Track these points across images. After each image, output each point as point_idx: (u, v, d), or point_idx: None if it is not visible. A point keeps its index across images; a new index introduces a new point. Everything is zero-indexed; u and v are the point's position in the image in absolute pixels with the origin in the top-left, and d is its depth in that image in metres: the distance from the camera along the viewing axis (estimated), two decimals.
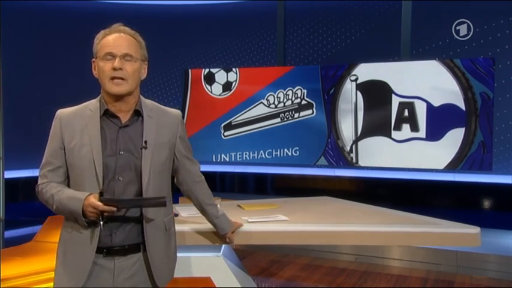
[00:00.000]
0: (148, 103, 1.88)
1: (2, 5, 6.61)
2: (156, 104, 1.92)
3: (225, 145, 5.88)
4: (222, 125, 5.86)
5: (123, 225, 1.77)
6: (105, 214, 1.69)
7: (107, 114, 1.80)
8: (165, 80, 7.59)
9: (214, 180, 7.24)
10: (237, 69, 5.84)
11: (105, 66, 1.76)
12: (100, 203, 1.66)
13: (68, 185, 1.83)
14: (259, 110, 5.74)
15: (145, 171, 1.77)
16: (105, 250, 1.76)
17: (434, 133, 5.07)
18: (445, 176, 5.96)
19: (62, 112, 1.84)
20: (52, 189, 1.78)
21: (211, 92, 5.88)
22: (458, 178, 5.88)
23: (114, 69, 1.74)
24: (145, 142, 1.79)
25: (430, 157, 5.10)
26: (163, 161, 1.85)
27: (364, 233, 2.84)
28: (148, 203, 1.74)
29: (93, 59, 1.82)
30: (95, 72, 1.82)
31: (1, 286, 3.45)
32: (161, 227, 1.85)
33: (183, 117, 6.40)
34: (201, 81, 5.93)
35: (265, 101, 5.72)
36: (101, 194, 1.71)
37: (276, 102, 5.69)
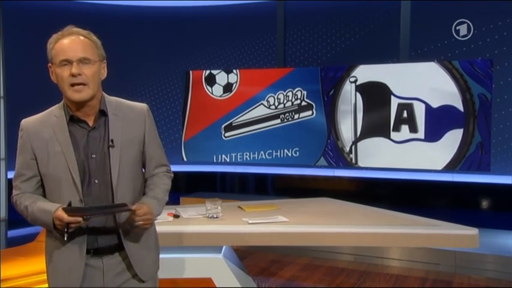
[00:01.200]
0: (112, 101, 1.85)
1: (4, 5, 6.64)
2: (122, 100, 1.89)
3: (225, 146, 5.92)
4: (223, 126, 5.90)
5: (106, 228, 1.77)
6: (72, 225, 1.65)
7: (73, 120, 1.78)
8: (166, 82, 7.61)
9: (214, 181, 7.27)
10: (237, 70, 5.88)
11: (63, 73, 1.71)
12: (65, 215, 1.63)
13: (44, 195, 1.81)
14: (259, 111, 5.78)
15: (115, 170, 1.76)
16: (92, 250, 1.77)
17: (433, 134, 5.11)
18: (444, 177, 5.99)
19: (26, 122, 1.84)
20: (26, 201, 1.77)
21: (212, 93, 5.92)
22: (457, 178, 5.91)
23: (73, 75, 1.69)
24: (112, 141, 1.77)
25: (428, 158, 5.13)
26: (133, 157, 1.83)
27: (363, 234, 2.88)
28: (112, 211, 1.73)
29: (49, 64, 1.77)
30: (53, 78, 1.77)
31: (4, 286, 3.49)
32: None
33: (184, 118, 6.38)
34: (202, 82, 5.97)
35: (265, 102, 5.76)
36: (69, 205, 1.69)
37: (276, 104, 5.73)
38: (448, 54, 5.94)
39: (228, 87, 5.88)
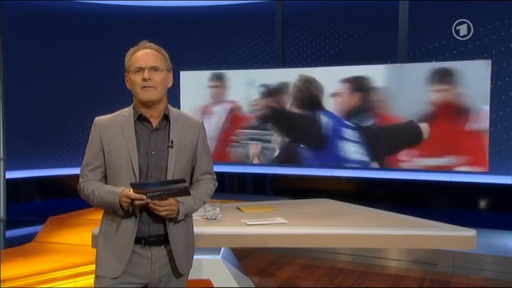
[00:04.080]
0: (173, 110, 2.11)
1: (3, 5, 6.63)
2: (181, 111, 2.16)
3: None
4: None
5: (157, 218, 1.96)
6: (136, 202, 1.87)
7: (140, 119, 2.03)
8: None
9: None
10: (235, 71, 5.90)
11: (136, 78, 1.99)
12: (131, 192, 1.87)
13: (106, 183, 2.03)
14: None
15: (171, 168, 2.00)
16: (143, 241, 1.97)
17: (432, 134, 5.12)
18: (442, 177, 6.00)
19: (100, 119, 2.07)
20: (92, 186, 2.00)
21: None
22: (455, 178, 5.91)
23: (144, 79, 1.97)
24: (172, 142, 2.01)
25: (427, 158, 5.15)
26: (186, 160, 2.06)
27: (362, 236, 2.88)
28: (172, 188, 1.89)
29: (126, 73, 2.05)
30: (128, 85, 2.05)
31: (3, 287, 3.49)
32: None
33: None
34: (197, 83, 5.97)
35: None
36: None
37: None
38: (446, 54, 5.95)
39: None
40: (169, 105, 2.10)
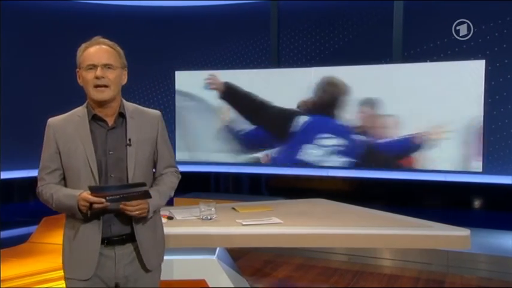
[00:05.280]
0: (129, 106, 2.05)
1: (3, 5, 6.60)
2: (137, 105, 2.10)
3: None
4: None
5: (119, 217, 1.94)
6: (95, 206, 1.83)
7: (95, 119, 1.97)
8: (160, 81, 7.60)
9: (208, 181, 7.26)
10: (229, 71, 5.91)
11: (88, 76, 1.92)
12: (90, 196, 1.82)
13: (65, 186, 1.99)
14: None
15: (131, 166, 1.95)
16: (106, 241, 1.93)
17: (426, 134, 5.14)
18: (437, 176, 6.01)
19: (53, 120, 2.01)
20: (51, 190, 1.95)
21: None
22: (450, 178, 5.92)
23: (97, 78, 1.90)
24: (129, 140, 1.97)
25: (422, 158, 5.17)
26: (147, 155, 2.02)
27: (357, 236, 2.90)
28: (131, 191, 1.86)
29: (77, 69, 1.98)
30: (79, 81, 1.98)
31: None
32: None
33: (174, 119, 6.41)
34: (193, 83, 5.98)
35: None
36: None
37: None
38: (441, 54, 5.97)
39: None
40: (124, 101, 2.04)
